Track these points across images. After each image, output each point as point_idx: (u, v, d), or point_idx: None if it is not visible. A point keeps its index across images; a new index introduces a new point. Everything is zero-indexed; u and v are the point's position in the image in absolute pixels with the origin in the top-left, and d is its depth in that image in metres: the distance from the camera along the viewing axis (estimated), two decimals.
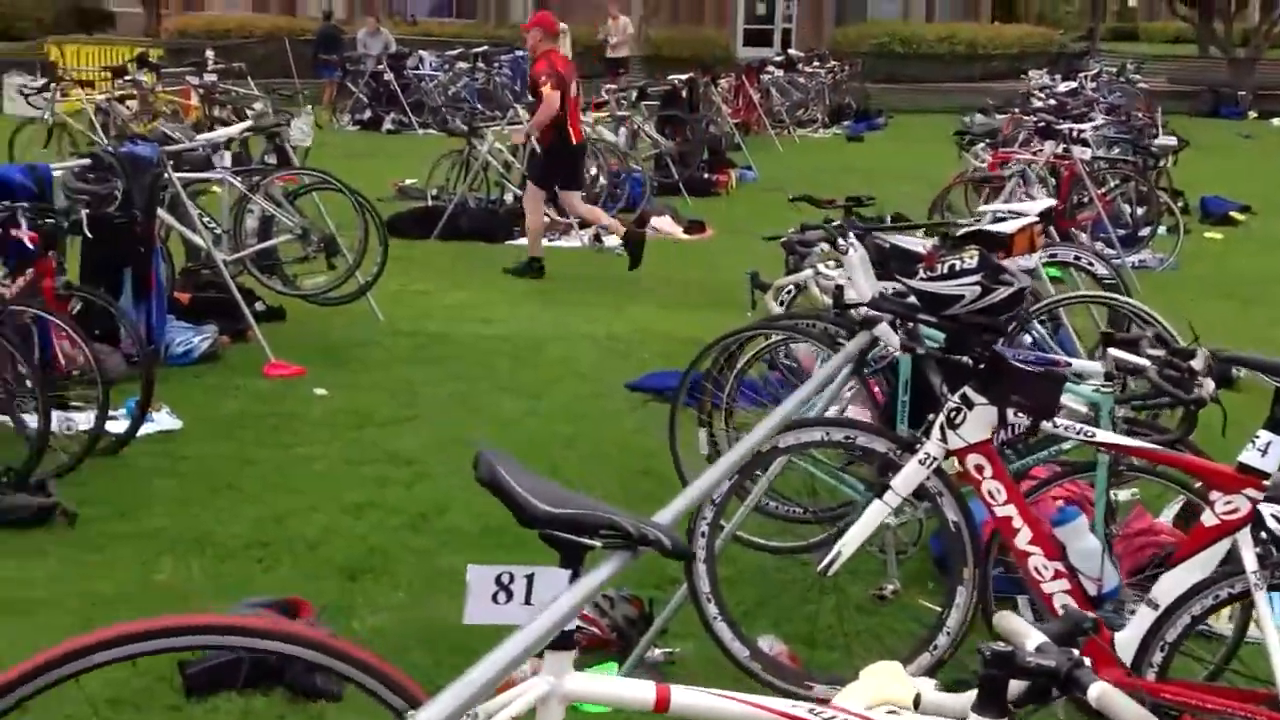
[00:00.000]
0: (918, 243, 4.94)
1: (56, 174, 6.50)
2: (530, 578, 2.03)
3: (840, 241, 4.43)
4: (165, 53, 24.23)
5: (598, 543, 2.08)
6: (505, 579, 2.03)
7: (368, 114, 21.40)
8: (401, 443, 6.21)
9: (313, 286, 8.43)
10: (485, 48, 23.54)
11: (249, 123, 9.06)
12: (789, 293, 5.90)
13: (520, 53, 25.23)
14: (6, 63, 23.68)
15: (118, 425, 5.84)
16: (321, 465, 5.87)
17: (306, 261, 8.40)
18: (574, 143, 10.24)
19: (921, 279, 3.89)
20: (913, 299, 3.91)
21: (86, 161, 6.80)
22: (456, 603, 4.54)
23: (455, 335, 8.38)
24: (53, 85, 14.53)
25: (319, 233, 8.25)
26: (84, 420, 5.87)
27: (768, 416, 3.42)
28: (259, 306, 8.13)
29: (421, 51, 22.53)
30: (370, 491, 5.53)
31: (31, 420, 5.55)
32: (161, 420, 6.24)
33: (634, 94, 15.41)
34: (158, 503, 5.28)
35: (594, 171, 13.29)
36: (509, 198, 12.69)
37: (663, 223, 12.78)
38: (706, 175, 15.79)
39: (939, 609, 3.81)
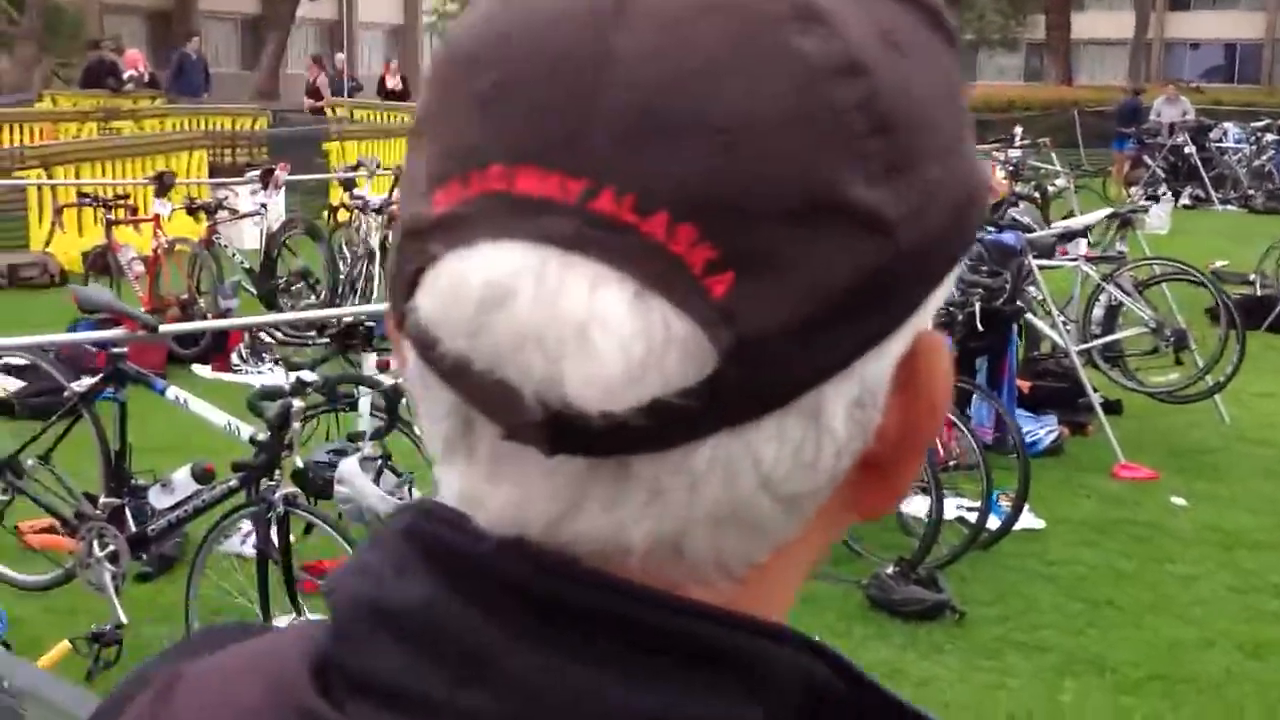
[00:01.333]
0: None
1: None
2: None
3: None
4: None
5: None
6: None
7: (1162, 188, 20.41)
8: None
9: (1160, 384, 7.95)
10: None
11: (1107, 210, 8.80)
12: None
13: None
14: None
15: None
16: (1202, 589, 5.41)
17: (1153, 355, 7.96)
18: None
19: None
20: None
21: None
22: None
23: None
24: None
25: (1171, 327, 7.80)
26: (949, 511, 5.88)
27: None
28: (1096, 399, 7.81)
29: (1226, 123, 21.19)
30: (1268, 629, 4.99)
31: (912, 509, 5.65)
32: (1024, 518, 6.09)
33: None
34: (1038, 611, 5.11)
35: None
36: None
37: None
38: None
39: None
